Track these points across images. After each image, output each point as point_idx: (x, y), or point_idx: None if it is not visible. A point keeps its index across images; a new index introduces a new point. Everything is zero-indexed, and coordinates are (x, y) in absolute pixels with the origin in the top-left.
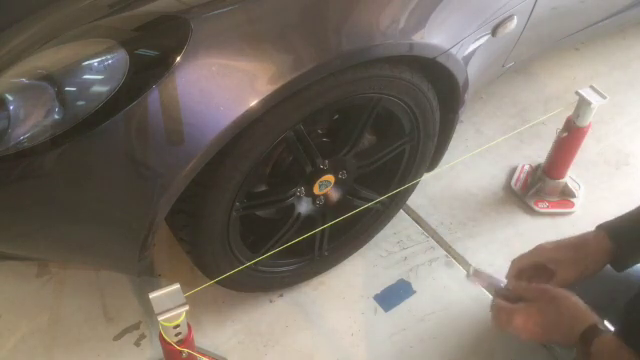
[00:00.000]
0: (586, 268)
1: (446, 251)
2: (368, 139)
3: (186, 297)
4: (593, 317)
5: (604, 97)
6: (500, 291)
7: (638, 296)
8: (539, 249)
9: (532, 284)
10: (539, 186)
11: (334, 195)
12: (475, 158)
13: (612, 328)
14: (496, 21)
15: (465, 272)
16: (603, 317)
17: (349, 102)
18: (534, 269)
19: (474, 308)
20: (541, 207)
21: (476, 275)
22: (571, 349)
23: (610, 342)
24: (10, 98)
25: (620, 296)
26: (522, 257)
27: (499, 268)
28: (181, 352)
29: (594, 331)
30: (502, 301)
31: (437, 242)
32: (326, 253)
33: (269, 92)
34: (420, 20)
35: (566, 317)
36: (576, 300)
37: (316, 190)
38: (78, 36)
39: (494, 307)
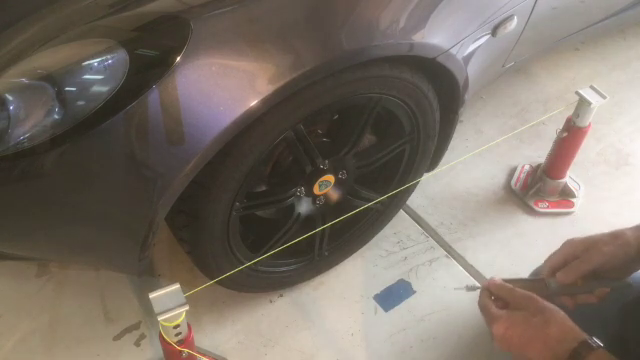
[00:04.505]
0: (624, 253)
1: (446, 251)
2: (368, 139)
3: (186, 297)
4: (582, 333)
5: (604, 97)
6: (487, 286)
7: (630, 305)
8: (569, 241)
9: (518, 290)
10: (539, 186)
11: (334, 195)
12: (475, 158)
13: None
14: (496, 21)
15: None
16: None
17: (349, 102)
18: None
19: (474, 308)
20: (541, 207)
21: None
22: None
23: (605, 357)
24: (10, 98)
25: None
26: (553, 254)
27: (499, 268)
28: (181, 352)
29: (587, 347)
30: (487, 299)
31: (437, 242)
32: (326, 253)
33: (269, 92)
34: (420, 20)
35: (554, 331)
36: (564, 315)
37: (316, 190)
38: (78, 36)
39: (479, 303)
